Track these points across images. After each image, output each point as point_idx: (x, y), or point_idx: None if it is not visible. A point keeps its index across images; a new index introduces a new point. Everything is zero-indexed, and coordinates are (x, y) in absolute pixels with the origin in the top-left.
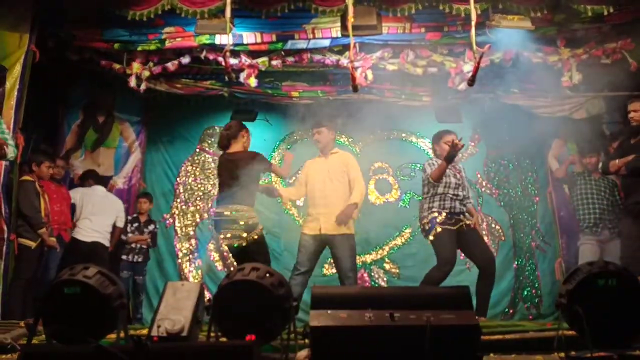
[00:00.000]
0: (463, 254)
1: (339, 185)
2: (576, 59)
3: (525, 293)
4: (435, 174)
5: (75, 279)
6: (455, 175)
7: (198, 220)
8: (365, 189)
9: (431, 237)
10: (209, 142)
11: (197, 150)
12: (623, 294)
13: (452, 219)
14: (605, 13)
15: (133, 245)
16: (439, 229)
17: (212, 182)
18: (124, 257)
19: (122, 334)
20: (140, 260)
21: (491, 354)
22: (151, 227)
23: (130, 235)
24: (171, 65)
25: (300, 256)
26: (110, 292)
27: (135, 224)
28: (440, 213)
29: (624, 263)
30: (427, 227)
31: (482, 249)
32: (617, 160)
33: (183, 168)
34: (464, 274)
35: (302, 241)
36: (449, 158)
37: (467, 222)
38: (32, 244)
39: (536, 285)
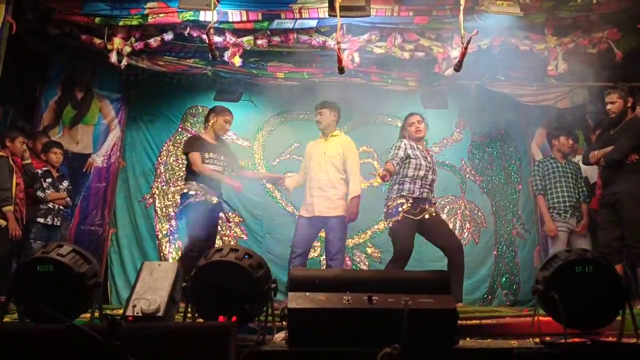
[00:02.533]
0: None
1: (332, 168)
2: (562, 47)
3: (504, 280)
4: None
5: (49, 257)
6: (426, 157)
7: (179, 200)
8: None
9: (390, 224)
10: (191, 121)
11: (179, 129)
12: (599, 281)
13: (417, 208)
14: (594, 1)
15: (51, 205)
16: (400, 217)
17: None
18: (40, 220)
19: (96, 314)
20: (58, 224)
21: (467, 339)
22: (65, 183)
23: (48, 192)
24: (153, 42)
25: (295, 238)
26: (85, 271)
27: (49, 179)
28: (407, 200)
29: (601, 252)
30: (390, 211)
31: (447, 237)
32: (596, 152)
33: (164, 147)
34: (445, 260)
35: (298, 224)
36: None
37: (431, 210)
38: (3, 223)
39: (515, 272)
